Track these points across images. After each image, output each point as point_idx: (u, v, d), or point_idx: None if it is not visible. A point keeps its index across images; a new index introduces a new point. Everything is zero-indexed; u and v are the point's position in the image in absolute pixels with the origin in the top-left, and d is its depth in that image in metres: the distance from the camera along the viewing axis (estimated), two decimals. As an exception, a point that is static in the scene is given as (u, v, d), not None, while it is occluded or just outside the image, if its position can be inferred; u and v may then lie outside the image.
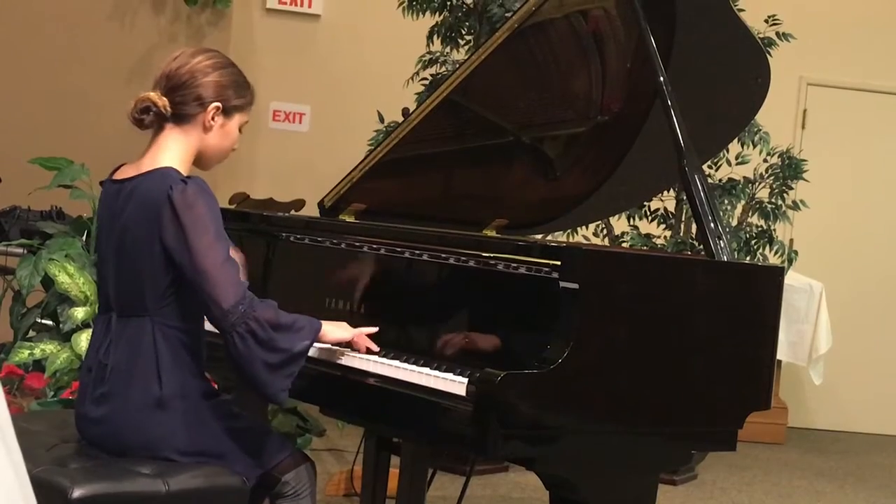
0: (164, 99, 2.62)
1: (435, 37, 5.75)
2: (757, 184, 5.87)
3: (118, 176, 2.71)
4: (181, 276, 2.57)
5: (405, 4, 5.76)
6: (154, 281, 2.57)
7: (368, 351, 2.75)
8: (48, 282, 4.09)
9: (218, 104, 2.66)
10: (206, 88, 2.65)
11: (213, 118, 2.67)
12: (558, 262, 2.48)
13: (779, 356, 3.39)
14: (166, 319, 2.59)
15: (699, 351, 2.64)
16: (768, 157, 5.87)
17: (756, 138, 5.71)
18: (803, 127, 7.62)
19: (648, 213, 5.89)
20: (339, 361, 2.76)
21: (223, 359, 2.88)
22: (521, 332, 2.58)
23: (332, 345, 2.75)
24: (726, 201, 5.69)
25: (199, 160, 2.73)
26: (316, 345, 2.71)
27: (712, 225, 2.81)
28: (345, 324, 2.78)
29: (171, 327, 2.60)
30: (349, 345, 2.77)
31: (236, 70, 2.74)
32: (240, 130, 2.76)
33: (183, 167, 2.64)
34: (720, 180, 5.77)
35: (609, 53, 3.38)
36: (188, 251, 2.53)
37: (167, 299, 2.59)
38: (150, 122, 2.64)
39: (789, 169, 5.83)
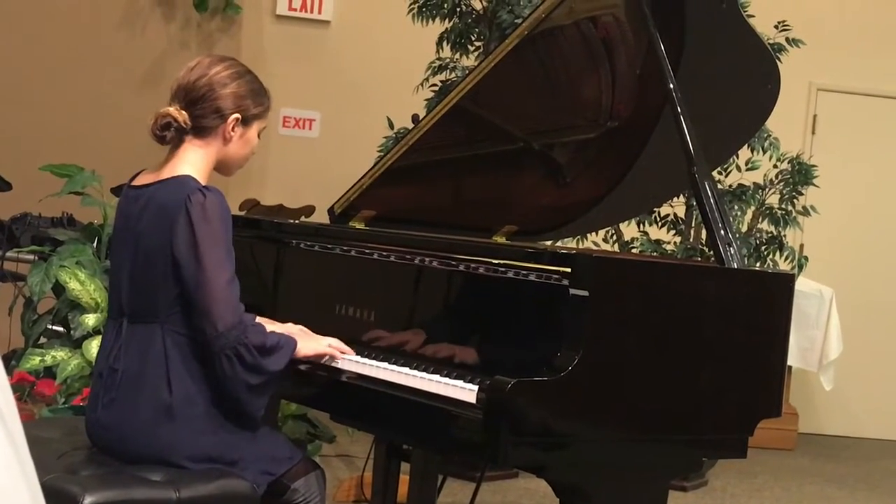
0: (184, 113, 2.62)
1: (444, 43, 5.75)
2: (767, 189, 5.86)
3: (137, 182, 2.71)
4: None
5: (415, 11, 5.76)
6: (166, 287, 2.58)
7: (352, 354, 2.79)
8: (59, 288, 4.10)
9: (237, 115, 2.67)
10: (224, 100, 2.65)
11: (232, 129, 2.68)
12: (568, 269, 2.47)
13: (789, 362, 3.38)
14: (177, 326, 2.59)
15: (710, 358, 2.63)
16: (778, 163, 5.86)
17: (766, 144, 5.70)
18: (813, 132, 7.61)
19: (658, 219, 5.88)
20: (350, 369, 2.76)
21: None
22: (531, 339, 2.58)
23: (309, 358, 2.76)
24: (736, 207, 5.68)
25: (221, 168, 2.74)
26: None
27: (722, 232, 2.80)
28: (311, 333, 2.82)
29: (182, 334, 2.60)
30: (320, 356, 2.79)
31: (253, 77, 2.74)
32: (258, 135, 2.77)
33: (202, 177, 2.64)
34: (730, 186, 5.76)
35: (619, 59, 3.37)
36: (197, 264, 2.53)
37: (178, 305, 2.59)
38: (172, 137, 2.64)
39: (799, 175, 5.82)
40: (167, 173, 2.64)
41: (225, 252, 2.56)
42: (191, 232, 2.53)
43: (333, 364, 2.77)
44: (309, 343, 2.76)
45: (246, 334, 2.55)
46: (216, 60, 2.71)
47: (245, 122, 2.70)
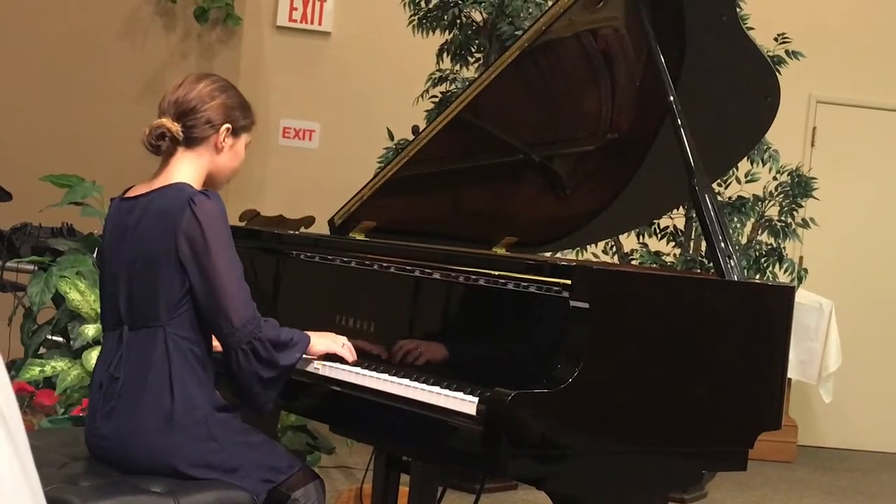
0: (177, 125, 2.67)
1: (445, 54, 5.76)
2: (766, 202, 5.87)
3: (130, 194, 2.74)
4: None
5: (415, 22, 5.78)
6: (170, 291, 2.60)
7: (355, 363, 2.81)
8: (59, 299, 4.11)
9: (228, 125, 2.73)
10: (214, 111, 2.71)
11: (224, 139, 2.73)
12: (569, 281, 2.48)
13: (788, 374, 3.37)
14: (178, 330, 2.61)
15: (710, 370, 2.63)
16: (778, 175, 5.87)
17: (766, 156, 5.71)
18: (813, 145, 7.62)
19: (658, 231, 5.89)
20: (349, 380, 2.76)
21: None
22: (531, 351, 2.58)
23: (321, 357, 2.80)
24: (736, 219, 5.69)
25: (211, 181, 2.78)
26: (325, 363, 2.76)
27: (722, 244, 2.81)
28: (330, 334, 2.86)
29: (184, 338, 2.62)
30: (336, 357, 2.82)
31: (238, 92, 2.82)
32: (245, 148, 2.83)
33: (196, 185, 2.68)
34: (730, 198, 5.77)
35: (619, 71, 3.38)
36: (207, 263, 2.58)
37: (181, 308, 2.61)
38: (166, 147, 2.68)
39: (799, 187, 5.83)
40: (161, 182, 2.69)
41: (233, 251, 2.63)
42: (199, 232, 2.57)
43: (333, 375, 2.78)
44: (323, 341, 2.81)
45: (260, 328, 2.63)
46: (202, 76, 2.78)
47: (235, 133, 2.76)
